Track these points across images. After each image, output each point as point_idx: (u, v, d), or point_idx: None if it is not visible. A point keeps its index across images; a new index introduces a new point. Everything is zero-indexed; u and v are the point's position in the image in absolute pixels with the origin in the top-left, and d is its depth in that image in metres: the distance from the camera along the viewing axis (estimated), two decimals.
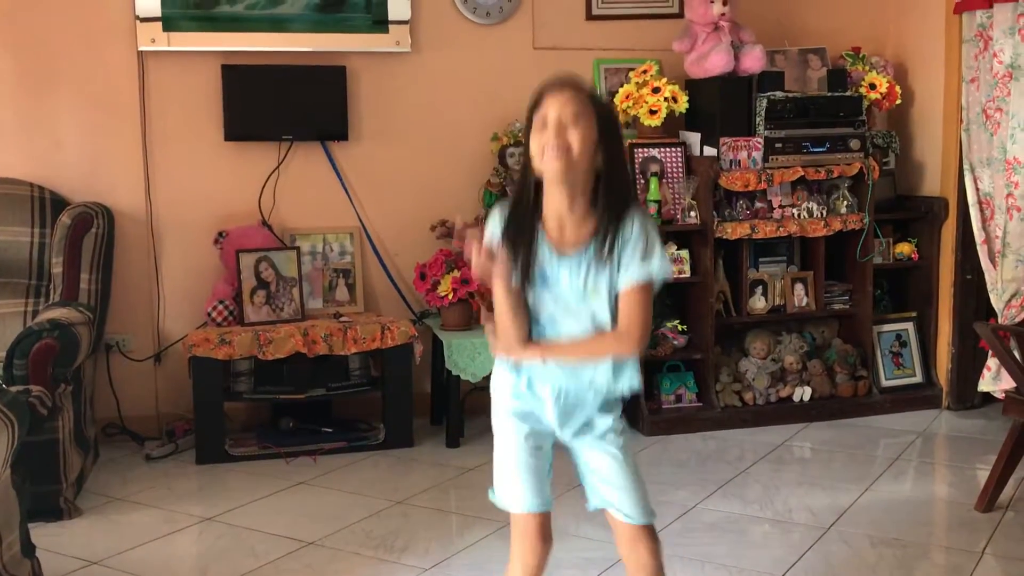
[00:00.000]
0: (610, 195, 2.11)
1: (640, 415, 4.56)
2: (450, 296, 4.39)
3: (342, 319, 4.46)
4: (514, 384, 2.24)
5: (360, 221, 4.77)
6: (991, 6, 4.37)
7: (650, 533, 2.26)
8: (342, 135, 4.67)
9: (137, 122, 4.51)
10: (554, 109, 2.06)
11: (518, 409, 2.24)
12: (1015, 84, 4.27)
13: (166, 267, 4.59)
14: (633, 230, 2.11)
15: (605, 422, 2.24)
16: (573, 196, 2.10)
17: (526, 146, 2.12)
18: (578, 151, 2.05)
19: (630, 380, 2.22)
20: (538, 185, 2.12)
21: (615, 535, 2.30)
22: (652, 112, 4.60)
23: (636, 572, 2.29)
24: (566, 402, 2.20)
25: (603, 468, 2.24)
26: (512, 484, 2.25)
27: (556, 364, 2.17)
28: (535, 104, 2.10)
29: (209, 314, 4.39)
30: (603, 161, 2.10)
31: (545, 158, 2.06)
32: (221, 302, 4.39)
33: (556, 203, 2.11)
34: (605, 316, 2.14)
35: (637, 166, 4.60)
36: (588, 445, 2.25)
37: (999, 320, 4.41)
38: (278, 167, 4.65)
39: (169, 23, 4.42)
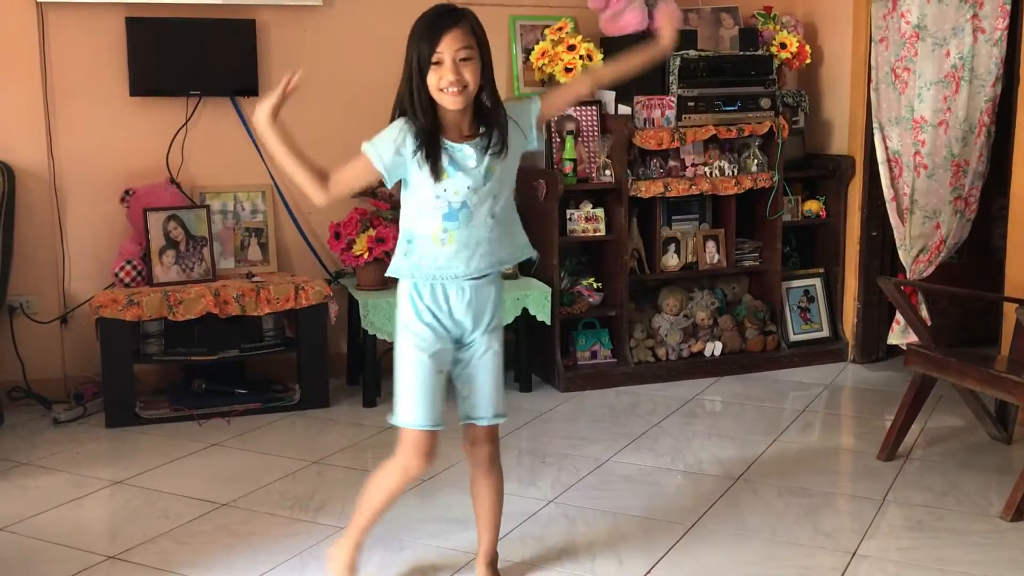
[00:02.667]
0: (489, 103, 2.44)
1: (556, 372, 4.60)
2: (365, 255, 4.36)
3: (254, 279, 4.39)
4: (422, 296, 2.50)
5: (272, 179, 4.69)
6: None
7: (494, 432, 2.65)
8: (252, 90, 4.57)
9: (37, 76, 4.35)
10: (450, 48, 2.34)
11: (425, 326, 2.50)
12: (922, 44, 4.37)
13: (71, 226, 4.46)
14: (507, 110, 2.47)
15: (498, 315, 2.59)
16: (462, 112, 2.42)
17: (412, 68, 2.38)
18: (472, 84, 2.37)
19: (526, 247, 2.59)
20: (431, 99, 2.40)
21: (463, 434, 2.67)
22: (567, 70, 4.60)
23: (475, 466, 2.70)
24: (476, 303, 2.52)
25: (483, 367, 2.58)
26: (411, 402, 2.51)
27: (468, 261, 2.45)
28: (431, 40, 2.34)
29: (116, 274, 4.29)
30: (482, 79, 2.40)
31: (447, 95, 2.35)
32: (129, 262, 4.30)
33: (449, 114, 2.42)
34: (503, 205, 2.46)
35: (553, 125, 4.60)
36: (482, 342, 2.57)
37: (907, 275, 4.54)
38: (186, 123, 4.54)
39: None
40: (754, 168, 4.83)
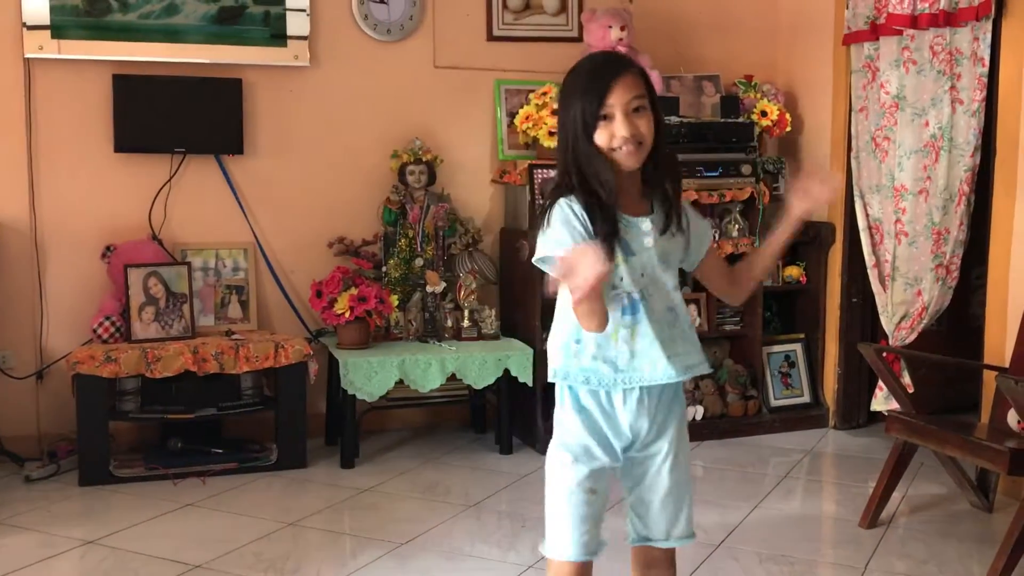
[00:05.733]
0: (663, 162, 2.09)
1: (537, 434, 4.57)
2: (347, 314, 4.34)
3: (234, 336, 4.37)
4: (581, 402, 2.10)
5: (255, 237, 4.69)
6: (878, 39, 4.54)
7: (673, 556, 2.21)
8: (237, 149, 4.59)
9: (22, 131, 4.36)
10: (621, 99, 1.99)
11: (579, 439, 2.10)
12: (901, 114, 4.43)
13: (51, 281, 4.44)
14: (686, 205, 2.15)
15: (679, 419, 2.17)
16: (633, 179, 2.07)
17: (575, 129, 2.01)
18: (648, 138, 2.03)
19: (703, 367, 2.15)
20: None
21: (632, 557, 2.23)
22: (551, 134, 4.64)
23: None
24: (653, 408, 2.11)
25: (663, 478, 2.15)
26: (559, 529, 2.13)
27: (642, 361, 2.05)
28: (599, 91, 1.99)
29: (95, 330, 4.26)
30: (656, 137, 2.06)
31: (621, 152, 2.00)
32: (108, 318, 4.26)
33: (620, 179, 2.05)
34: (674, 285, 2.11)
35: (537, 187, 4.63)
36: (662, 447, 2.14)
37: (890, 341, 4.56)
38: (170, 180, 4.55)
39: (58, 31, 4.30)
40: (735, 233, 4.86)
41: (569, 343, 2.06)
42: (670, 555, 2.21)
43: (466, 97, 4.94)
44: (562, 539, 2.12)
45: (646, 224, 2.05)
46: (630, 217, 2.04)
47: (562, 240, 1.97)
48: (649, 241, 2.05)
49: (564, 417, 2.12)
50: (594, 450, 2.09)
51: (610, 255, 1.97)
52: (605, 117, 1.99)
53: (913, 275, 4.47)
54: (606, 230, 1.99)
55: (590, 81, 2.01)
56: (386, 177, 4.74)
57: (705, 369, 2.15)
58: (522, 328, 4.68)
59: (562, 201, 2.01)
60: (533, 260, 2.05)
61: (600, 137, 2.00)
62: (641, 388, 2.07)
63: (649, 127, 2.02)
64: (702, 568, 3.30)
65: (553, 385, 2.13)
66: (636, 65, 2.05)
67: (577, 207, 1.99)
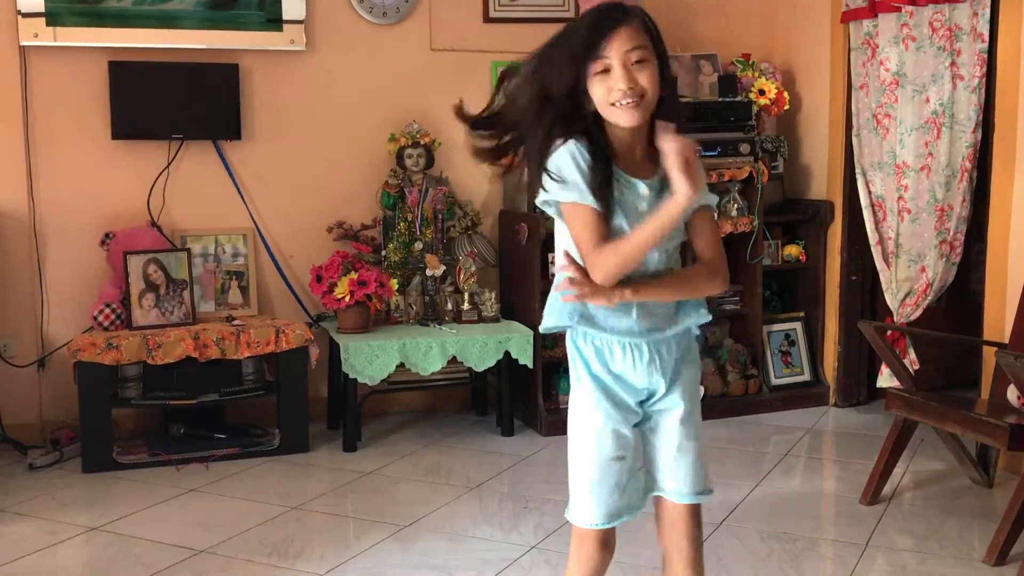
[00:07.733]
0: (673, 120, 1.98)
1: (538, 415, 4.58)
2: (347, 298, 4.35)
3: (235, 322, 4.37)
4: (587, 359, 2.07)
5: (254, 222, 4.68)
6: (876, 15, 4.52)
7: (696, 513, 2.17)
8: (235, 134, 4.58)
9: (19, 119, 4.35)
10: (618, 51, 1.89)
11: (595, 397, 2.06)
12: (901, 91, 4.42)
13: (50, 269, 4.44)
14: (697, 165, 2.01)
15: (690, 375, 2.12)
16: (640, 129, 1.98)
17: (543, 76, 1.94)
18: (651, 93, 1.93)
19: (700, 315, 2.10)
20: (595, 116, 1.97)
21: (657, 517, 2.21)
22: None
23: (670, 554, 2.22)
24: (660, 362, 2.06)
25: (674, 429, 2.11)
26: (583, 495, 2.10)
27: (638, 316, 2.02)
28: (594, 44, 1.90)
29: (95, 318, 4.26)
30: (662, 88, 1.96)
31: (620, 109, 1.91)
32: (108, 305, 4.27)
33: (622, 136, 1.98)
34: (672, 257, 2.06)
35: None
36: (671, 401, 2.10)
37: (895, 318, 4.56)
38: (168, 167, 4.54)
39: (53, 18, 4.28)
40: (734, 213, 4.86)
41: (564, 284, 2.01)
42: (691, 511, 2.16)
43: (463, 79, 4.92)
44: (585, 506, 2.10)
45: (643, 188, 1.98)
46: (629, 177, 1.98)
47: (581, 187, 1.92)
48: (643, 205, 1.97)
49: (579, 386, 2.10)
50: (609, 407, 2.06)
51: (607, 207, 1.93)
52: (604, 71, 1.91)
53: (917, 252, 4.47)
54: (600, 182, 1.92)
55: (587, 34, 1.91)
56: (384, 161, 4.73)
57: (689, 319, 2.08)
58: (522, 310, 4.68)
59: (573, 144, 1.92)
60: (537, 202, 2.02)
61: (597, 92, 1.92)
62: (650, 347, 2.04)
63: (651, 80, 1.92)
64: (704, 546, 3.31)
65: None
66: (639, 14, 1.94)
67: (584, 150, 1.92)
